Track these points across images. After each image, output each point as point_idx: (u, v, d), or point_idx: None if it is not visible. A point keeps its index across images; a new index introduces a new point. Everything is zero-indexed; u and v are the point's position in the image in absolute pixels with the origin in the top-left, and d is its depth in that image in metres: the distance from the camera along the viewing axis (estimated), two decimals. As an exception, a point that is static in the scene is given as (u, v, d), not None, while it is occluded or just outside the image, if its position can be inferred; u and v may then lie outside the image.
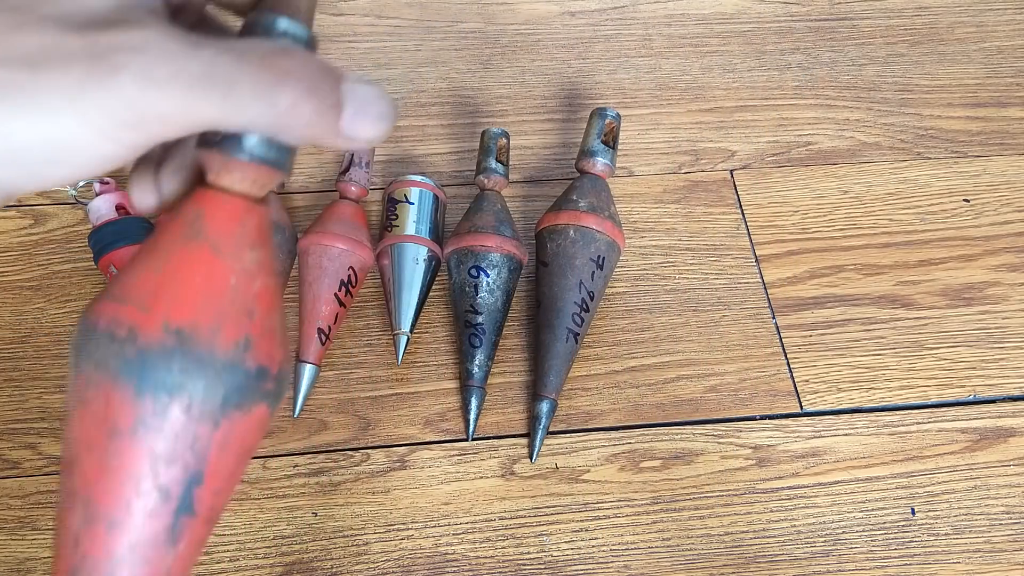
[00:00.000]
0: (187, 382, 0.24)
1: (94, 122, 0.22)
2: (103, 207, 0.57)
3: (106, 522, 0.24)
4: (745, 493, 0.52)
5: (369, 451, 0.53)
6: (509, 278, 0.56)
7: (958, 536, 0.51)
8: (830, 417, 0.55)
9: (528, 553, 0.50)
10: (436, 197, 0.59)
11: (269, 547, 0.50)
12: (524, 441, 0.54)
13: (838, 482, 0.52)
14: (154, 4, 0.24)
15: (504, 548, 0.50)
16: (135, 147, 0.24)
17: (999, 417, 0.55)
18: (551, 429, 0.54)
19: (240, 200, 0.25)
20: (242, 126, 0.23)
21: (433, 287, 0.59)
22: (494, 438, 0.54)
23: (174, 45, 0.23)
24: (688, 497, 0.52)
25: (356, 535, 0.50)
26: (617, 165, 0.64)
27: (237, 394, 0.25)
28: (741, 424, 0.54)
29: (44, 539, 0.50)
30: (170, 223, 0.25)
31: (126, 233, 0.56)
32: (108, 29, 0.23)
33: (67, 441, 0.25)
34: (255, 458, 0.52)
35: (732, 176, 0.65)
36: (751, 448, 0.53)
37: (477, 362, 0.54)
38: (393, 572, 0.49)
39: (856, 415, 0.55)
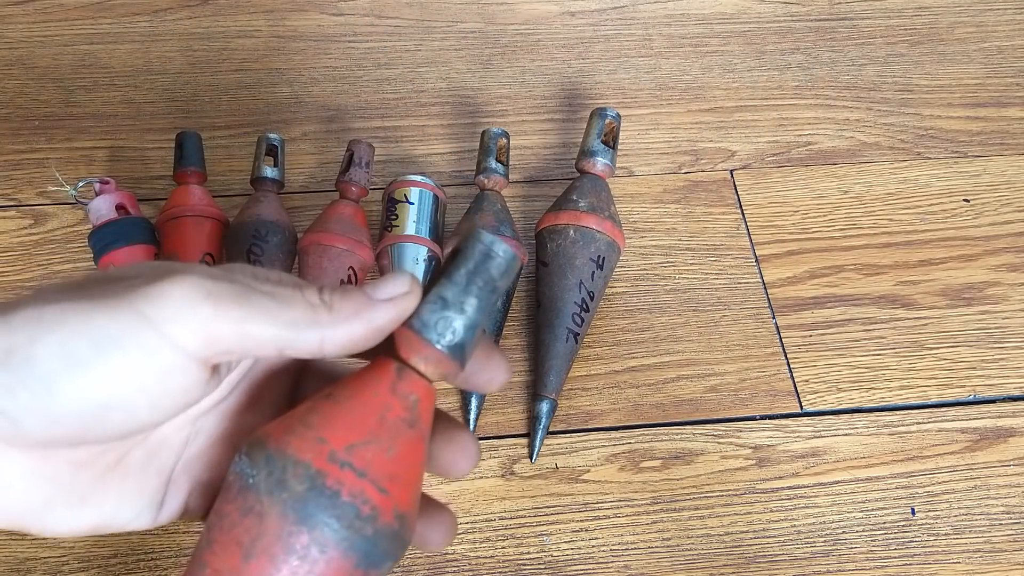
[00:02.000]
0: (387, 561, 0.27)
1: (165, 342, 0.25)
2: (103, 207, 0.57)
3: None
4: (745, 493, 0.52)
5: (369, 451, 0.53)
6: (509, 278, 0.56)
7: (958, 536, 0.51)
8: (830, 417, 0.55)
9: (528, 553, 0.50)
10: (436, 197, 0.59)
11: (269, 547, 0.50)
12: (524, 441, 0.54)
13: (838, 482, 0.52)
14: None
15: (504, 548, 0.50)
16: (203, 368, 0.26)
17: (999, 417, 0.55)
18: (551, 429, 0.54)
19: (433, 388, 0.28)
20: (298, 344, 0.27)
21: (433, 287, 0.59)
22: (494, 438, 0.54)
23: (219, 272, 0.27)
24: (688, 497, 0.52)
25: (356, 535, 0.50)
26: (617, 165, 0.64)
27: (391, 561, 0.27)
28: (741, 424, 0.54)
29: (44, 539, 0.50)
30: (383, 394, 0.27)
31: (126, 233, 0.56)
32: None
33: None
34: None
35: (732, 176, 0.65)
36: (751, 448, 0.53)
37: (477, 362, 0.54)
38: (393, 572, 0.49)
39: (856, 415, 0.55)
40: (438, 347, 0.27)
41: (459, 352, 0.28)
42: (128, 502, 0.29)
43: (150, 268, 0.27)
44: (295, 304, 0.27)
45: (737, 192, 0.64)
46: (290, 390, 0.32)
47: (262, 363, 0.31)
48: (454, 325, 0.27)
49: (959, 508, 0.51)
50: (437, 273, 0.28)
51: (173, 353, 0.25)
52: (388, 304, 0.27)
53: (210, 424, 0.30)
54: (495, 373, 0.30)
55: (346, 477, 0.26)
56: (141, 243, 0.56)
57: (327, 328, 0.27)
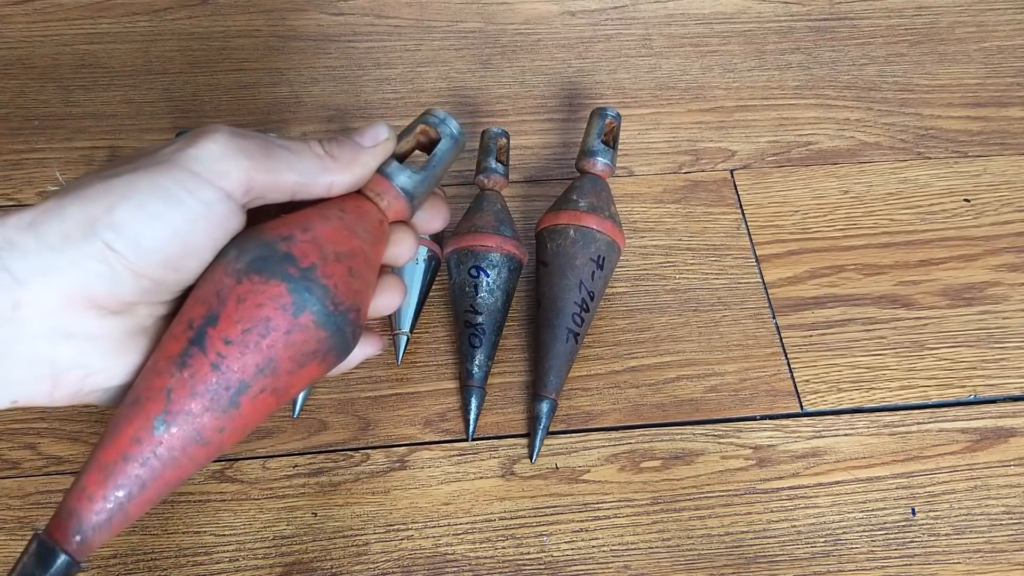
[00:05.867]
0: (232, 249, 0.32)
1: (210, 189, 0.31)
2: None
3: (158, 347, 0.32)
4: (745, 493, 0.52)
5: (369, 451, 0.53)
6: (509, 278, 0.56)
7: (958, 536, 0.51)
8: (830, 417, 0.55)
9: (528, 553, 0.50)
10: (436, 197, 0.59)
11: (269, 547, 0.50)
12: (524, 441, 0.54)
13: (838, 482, 0.52)
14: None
15: (504, 548, 0.50)
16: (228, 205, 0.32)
17: (1000, 417, 0.55)
18: (551, 429, 0.54)
19: (381, 212, 0.36)
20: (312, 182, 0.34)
21: (433, 287, 0.59)
22: (494, 438, 0.54)
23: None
24: (688, 497, 0.52)
25: (356, 535, 0.50)
26: (617, 165, 0.63)
27: (259, 261, 0.31)
28: (741, 424, 0.54)
29: (44, 539, 0.50)
30: (333, 204, 0.35)
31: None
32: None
33: None
34: (255, 458, 0.52)
35: (732, 176, 0.65)
36: (751, 448, 0.53)
37: (477, 362, 0.54)
38: (393, 572, 0.49)
39: (856, 415, 0.55)
40: (395, 186, 0.36)
41: (409, 195, 0.36)
42: None
43: (182, 138, 0.32)
44: (307, 156, 0.33)
45: (737, 192, 0.64)
46: None
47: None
48: (410, 177, 0.36)
49: (959, 508, 0.51)
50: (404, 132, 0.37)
51: (226, 202, 0.31)
52: (375, 149, 0.35)
53: None
54: (436, 217, 0.39)
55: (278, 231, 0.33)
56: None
57: (335, 174, 0.34)
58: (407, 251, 0.37)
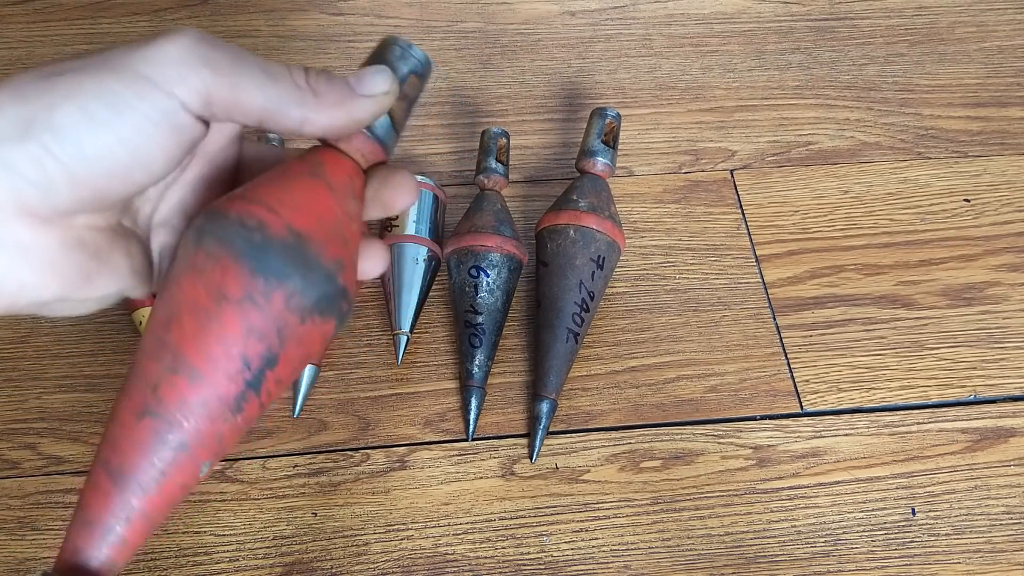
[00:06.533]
0: (294, 276, 0.28)
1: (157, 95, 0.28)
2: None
3: (190, 374, 0.28)
4: (745, 493, 0.52)
5: (369, 451, 0.53)
6: (509, 278, 0.56)
7: (959, 536, 0.50)
8: (830, 417, 0.55)
9: (528, 553, 0.50)
10: (436, 197, 0.59)
11: (269, 547, 0.50)
12: (524, 441, 0.54)
13: (839, 482, 0.52)
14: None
15: (504, 548, 0.50)
16: (191, 130, 0.29)
17: (1000, 417, 0.55)
18: (551, 429, 0.54)
19: (352, 162, 0.32)
20: (276, 109, 0.29)
21: (433, 287, 0.59)
22: (494, 438, 0.54)
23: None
24: (688, 497, 0.52)
25: (356, 535, 0.50)
26: (617, 165, 0.63)
27: (324, 301, 0.29)
28: (741, 424, 0.54)
29: (44, 539, 0.50)
30: (296, 164, 0.31)
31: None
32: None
33: (168, 302, 0.29)
34: (255, 458, 0.52)
35: (732, 176, 0.65)
36: (751, 448, 0.53)
37: (477, 362, 0.54)
38: (393, 572, 0.49)
39: (856, 415, 0.55)
40: (367, 135, 0.31)
41: (382, 142, 0.32)
42: (125, 272, 0.31)
43: (142, 38, 0.29)
44: (283, 81, 0.29)
45: (737, 192, 0.64)
46: (232, 182, 0.34)
47: (212, 155, 0.33)
48: (380, 122, 0.32)
49: (959, 508, 0.51)
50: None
51: (180, 113, 0.28)
52: (370, 100, 0.30)
53: (173, 195, 0.33)
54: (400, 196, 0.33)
55: (234, 206, 0.29)
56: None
57: (310, 110, 0.29)
58: (403, 195, 0.34)
